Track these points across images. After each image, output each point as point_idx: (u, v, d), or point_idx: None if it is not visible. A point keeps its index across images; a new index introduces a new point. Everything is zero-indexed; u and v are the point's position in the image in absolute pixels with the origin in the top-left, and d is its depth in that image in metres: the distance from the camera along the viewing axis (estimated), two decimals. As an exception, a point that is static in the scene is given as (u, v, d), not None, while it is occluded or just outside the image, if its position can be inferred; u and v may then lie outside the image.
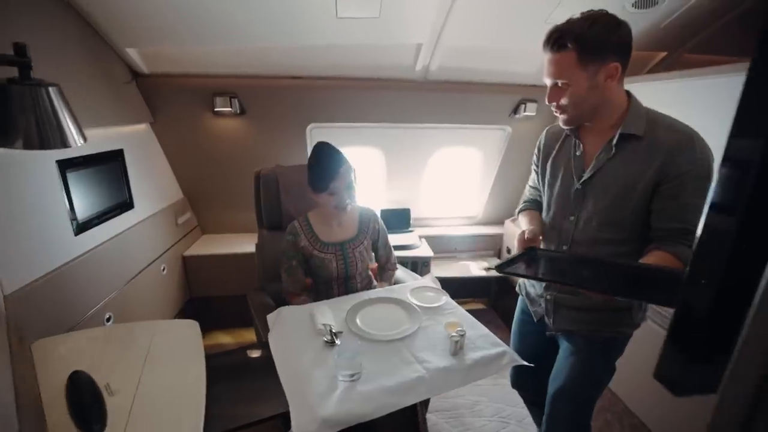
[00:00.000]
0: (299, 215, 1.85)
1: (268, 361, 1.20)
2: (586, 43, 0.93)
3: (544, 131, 1.27)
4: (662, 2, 1.64)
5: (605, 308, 1.11)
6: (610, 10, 1.63)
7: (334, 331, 1.22)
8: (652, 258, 0.96)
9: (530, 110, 2.40)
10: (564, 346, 1.24)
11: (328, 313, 1.34)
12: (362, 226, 1.62)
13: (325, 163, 1.45)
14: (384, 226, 1.69)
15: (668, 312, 1.55)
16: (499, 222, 3.07)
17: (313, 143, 2.43)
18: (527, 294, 1.33)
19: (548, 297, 1.21)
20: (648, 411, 1.70)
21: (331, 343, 1.19)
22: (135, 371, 1.07)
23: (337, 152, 1.47)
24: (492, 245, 3.00)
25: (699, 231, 0.56)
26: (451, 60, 2.04)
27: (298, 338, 1.23)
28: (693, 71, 1.74)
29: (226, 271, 2.41)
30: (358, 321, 1.31)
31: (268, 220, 1.87)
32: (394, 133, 2.55)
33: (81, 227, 1.55)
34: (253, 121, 2.23)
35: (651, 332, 1.32)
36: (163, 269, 2.13)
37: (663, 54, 2.13)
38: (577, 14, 0.96)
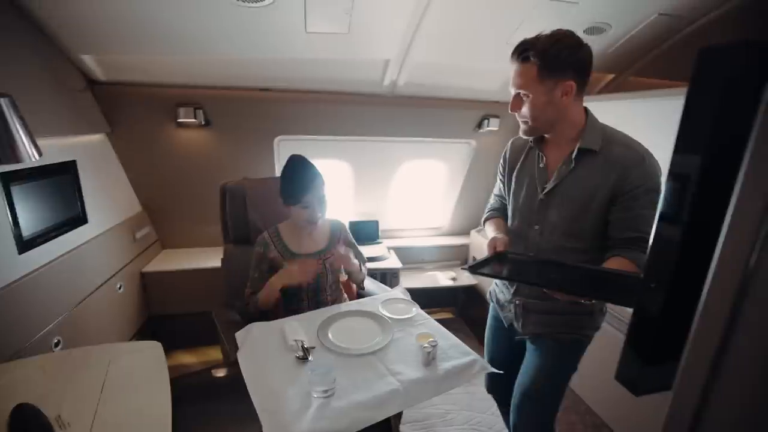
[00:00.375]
0: (266, 228, 1.83)
1: (236, 380, 1.15)
2: (546, 58, 0.99)
3: (510, 142, 1.33)
4: (609, 30, 1.79)
5: (570, 312, 1.17)
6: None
7: (306, 346, 1.20)
8: (613, 264, 1.02)
9: (493, 125, 2.51)
10: (530, 349, 1.29)
11: (299, 328, 1.32)
12: (333, 237, 1.62)
13: (298, 176, 1.45)
14: (352, 237, 1.70)
15: (626, 318, 1.65)
16: (465, 232, 3.15)
17: (281, 156, 2.42)
18: (497, 300, 1.37)
19: (517, 302, 1.25)
20: (609, 410, 1.79)
21: (304, 359, 1.17)
22: (91, 400, 1.00)
23: (312, 166, 1.48)
24: (458, 255, 3.07)
25: (651, 240, 0.61)
26: (418, 76, 2.10)
27: (269, 355, 1.20)
28: (636, 93, 1.90)
29: (189, 287, 2.30)
30: (330, 335, 1.30)
31: (235, 234, 1.82)
32: (362, 146, 2.58)
33: (26, 245, 1.43)
34: (219, 133, 2.18)
35: (611, 337, 1.40)
36: (120, 287, 2.01)
37: (611, 76, 2.31)
38: (547, 31, 1.02)
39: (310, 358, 1.17)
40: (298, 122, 2.26)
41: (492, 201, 1.44)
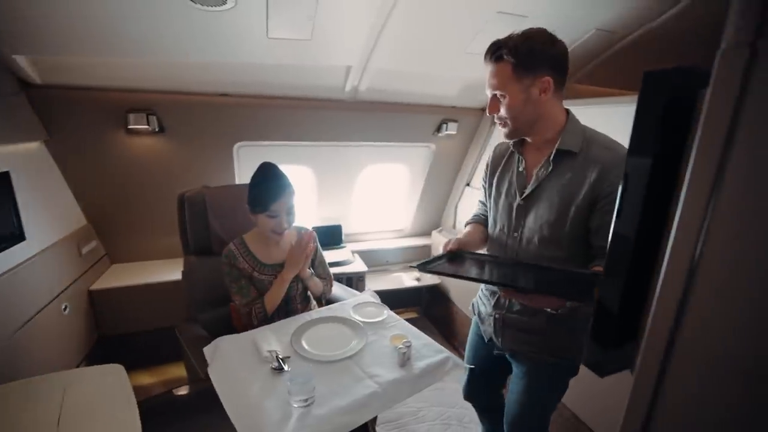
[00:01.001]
0: (231, 238, 1.76)
1: (204, 397, 1.12)
2: (519, 55, 0.97)
3: (493, 149, 1.30)
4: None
5: (549, 332, 1.13)
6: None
7: (281, 356, 1.19)
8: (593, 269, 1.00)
9: (452, 129, 2.61)
10: (515, 371, 1.27)
11: (271, 338, 1.30)
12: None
13: (268, 184, 1.41)
14: (319, 245, 1.69)
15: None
16: (427, 233, 3.24)
17: (241, 163, 2.35)
18: (479, 313, 1.34)
19: (497, 316, 1.22)
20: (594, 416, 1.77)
21: (279, 369, 1.15)
22: (46, 434, 0.92)
23: (283, 175, 1.45)
24: (421, 256, 3.14)
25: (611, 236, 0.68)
26: (379, 82, 2.13)
27: (243, 368, 1.17)
28: (579, 101, 2.07)
29: (143, 303, 2.16)
30: (304, 343, 1.29)
31: (196, 244, 1.75)
32: (324, 151, 2.57)
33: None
34: (174, 140, 2.07)
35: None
36: (65, 308, 1.85)
37: (556, 83, 2.49)
38: (518, 31, 1.01)
39: (286, 368, 1.15)
40: (259, 128, 2.21)
41: (477, 208, 1.40)
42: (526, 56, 0.98)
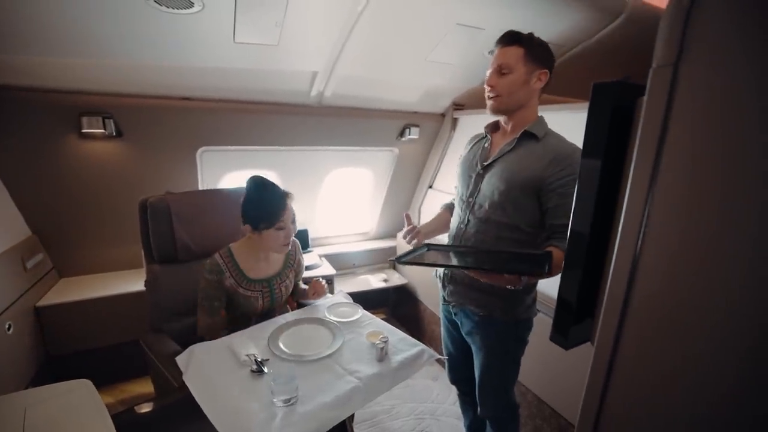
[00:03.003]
0: (199, 245, 1.72)
1: (183, 406, 1.09)
2: (532, 45, 1.18)
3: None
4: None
5: (483, 289, 1.29)
6: (474, 55, 1.99)
7: (259, 359, 1.19)
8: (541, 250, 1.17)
9: (414, 134, 2.71)
10: (475, 347, 1.41)
11: (248, 343, 1.29)
12: (288, 259, 1.59)
13: (270, 198, 1.39)
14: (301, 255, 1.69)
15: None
16: (392, 235, 3.31)
17: (204, 168, 2.29)
18: (440, 278, 1.46)
19: (446, 272, 1.40)
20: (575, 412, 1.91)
21: (259, 372, 1.16)
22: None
23: (277, 185, 1.43)
24: (387, 257, 3.20)
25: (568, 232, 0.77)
26: (344, 87, 2.18)
27: (221, 374, 1.16)
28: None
29: (96, 318, 2.03)
30: (281, 345, 1.30)
31: (160, 252, 1.68)
32: (289, 156, 2.56)
33: None
34: (133, 145, 1.98)
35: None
36: (9, 327, 1.70)
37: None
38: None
39: (265, 370, 1.16)
40: (223, 133, 2.17)
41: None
42: (537, 48, 1.18)
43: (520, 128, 1.24)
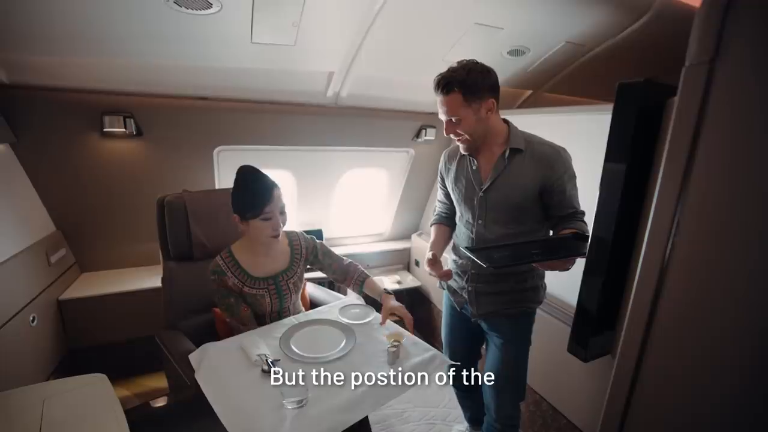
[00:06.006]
0: (213, 244, 1.74)
1: (195, 404, 1.10)
2: (467, 86, 1.19)
3: (443, 155, 1.51)
4: (528, 53, 2.04)
5: (515, 290, 1.36)
6: (491, 56, 1.96)
7: (270, 360, 1.19)
8: (565, 233, 1.21)
9: (430, 135, 2.68)
10: (490, 338, 1.47)
11: (259, 342, 1.29)
12: (294, 253, 1.55)
13: (256, 187, 1.37)
14: (326, 247, 1.64)
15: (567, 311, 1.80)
16: (407, 237, 3.28)
17: (221, 167, 2.32)
18: (449, 287, 1.54)
19: (470, 288, 1.42)
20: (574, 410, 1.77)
21: (270, 372, 1.15)
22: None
23: (266, 175, 1.41)
24: (401, 259, 3.19)
25: (590, 240, 0.74)
26: (360, 88, 2.17)
27: (232, 373, 1.17)
28: (547, 108, 2.18)
29: (116, 313, 2.08)
30: (293, 346, 1.30)
31: (176, 250, 1.71)
32: (305, 156, 2.57)
33: None
34: (153, 144, 2.02)
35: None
36: (33, 320, 1.76)
37: (529, 92, 2.61)
38: (454, 64, 1.21)
39: (277, 370, 1.15)
40: (239, 132, 2.19)
41: (437, 206, 1.61)
42: (471, 86, 1.19)
43: (499, 145, 1.31)
